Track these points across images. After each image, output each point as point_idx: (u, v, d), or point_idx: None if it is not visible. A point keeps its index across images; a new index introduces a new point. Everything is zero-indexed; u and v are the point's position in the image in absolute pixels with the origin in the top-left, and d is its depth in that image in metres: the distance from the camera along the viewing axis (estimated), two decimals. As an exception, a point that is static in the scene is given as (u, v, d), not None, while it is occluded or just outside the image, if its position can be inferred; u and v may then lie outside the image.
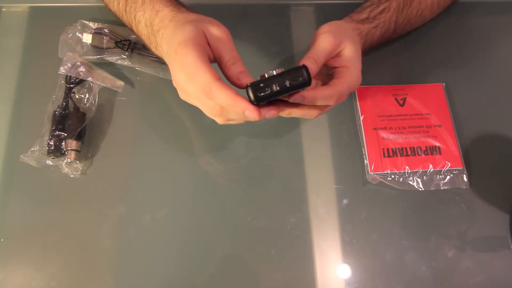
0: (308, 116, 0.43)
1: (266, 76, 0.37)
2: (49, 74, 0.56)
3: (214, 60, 0.41)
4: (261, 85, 0.36)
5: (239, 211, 0.52)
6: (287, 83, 0.36)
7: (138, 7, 0.46)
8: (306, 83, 0.36)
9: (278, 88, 0.36)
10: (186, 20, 0.41)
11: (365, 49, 0.51)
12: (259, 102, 0.37)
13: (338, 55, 0.45)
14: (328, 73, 0.47)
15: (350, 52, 0.44)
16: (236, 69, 0.39)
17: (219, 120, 0.42)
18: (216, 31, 0.40)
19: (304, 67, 0.36)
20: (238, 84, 0.39)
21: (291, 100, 0.39)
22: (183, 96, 0.42)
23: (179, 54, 0.38)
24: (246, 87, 0.37)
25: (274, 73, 0.37)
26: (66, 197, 0.52)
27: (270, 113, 0.39)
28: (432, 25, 0.61)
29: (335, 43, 0.43)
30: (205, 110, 0.41)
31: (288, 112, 0.42)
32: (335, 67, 0.45)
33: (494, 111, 0.58)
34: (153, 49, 0.47)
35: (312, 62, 0.41)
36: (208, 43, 0.40)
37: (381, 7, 0.51)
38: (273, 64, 0.60)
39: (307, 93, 0.39)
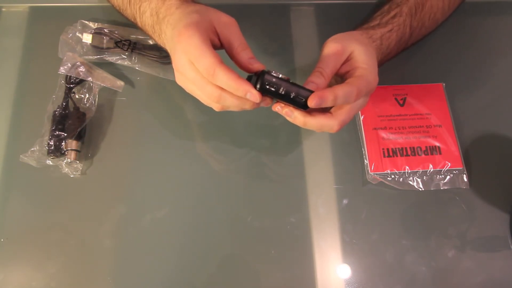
0: (327, 129, 0.43)
1: (274, 74, 0.39)
2: (49, 74, 0.56)
3: (221, 46, 0.42)
4: (274, 80, 0.38)
5: (239, 211, 0.52)
6: (292, 95, 0.38)
7: None
8: (303, 106, 0.39)
9: (283, 93, 0.38)
10: (193, 9, 0.42)
11: (384, 54, 0.50)
12: (261, 91, 0.38)
13: (347, 59, 0.43)
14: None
15: (360, 54, 0.43)
16: (247, 54, 0.40)
17: (216, 107, 0.42)
18: (226, 20, 0.41)
19: (312, 92, 0.38)
20: (249, 68, 0.40)
21: (313, 105, 0.39)
22: (180, 80, 0.42)
23: (183, 37, 0.38)
24: (262, 73, 0.38)
25: (280, 75, 0.39)
26: (66, 197, 0.52)
27: (266, 101, 0.40)
28: (432, 25, 0.61)
29: (339, 48, 0.42)
30: (201, 96, 0.41)
31: (303, 122, 0.41)
32: (348, 71, 0.43)
33: (494, 111, 0.58)
34: (156, 37, 0.47)
35: (317, 76, 0.41)
36: (216, 31, 0.41)
37: (392, 13, 0.51)
38: (273, 64, 0.60)
39: (326, 93, 0.38)
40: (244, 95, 0.38)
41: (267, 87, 0.38)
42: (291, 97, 0.38)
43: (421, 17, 0.53)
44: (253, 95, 0.38)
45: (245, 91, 0.37)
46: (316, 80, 0.40)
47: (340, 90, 0.39)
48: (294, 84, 0.38)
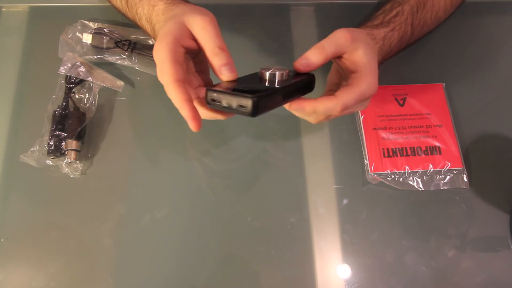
0: (309, 121, 0.44)
1: (266, 73, 0.38)
2: (49, 74, 0.56)
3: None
4: (215, 94, 0.37)
5: (239, 211, 0.52)
6: (233, 105, 0.36)
7: (137, 3, 0.47)
8: (249, 114, 0.35)
9: (226, 106, 0.37)
10: (172, 14, 0.41)
11: (385, 54, 0.49)
12: (211, 107, 0.38)
13: (351, 56, 0.42)
14: (344, 82, 0.45)
15: (363, 55, 0.42)
16: (219, 61, 0.38)
17: None
18: (199, 21, 0.39)
19: (254, 99, 0.35)
20: (220, 78, 0.39)
21: (291, 109, 0.39)
22: None
23: (155, 50, 0.39)
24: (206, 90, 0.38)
25: (277, 73, 0.38)
26: (66, 197, 0.52)
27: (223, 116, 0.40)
28: (432, 25, 0.61)
29: (348, 36, 0.41)
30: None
31: (312, 109, 0.41)
32: (352, 73, 0.43)
33: (494, 111, 0.58)
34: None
35: (314, 53, 0.40)
36: (193, 34, 0.40)
37: (394, 12, 0.50)
38: (272, 64, 0.60)
39: (306, 104, 0.39)
40: (186, 118, 0.37)
41: (213, 103, 0.37)
42: (233, 108, 0.36)
43: (423, 15, 0.53)
44: (190, 123, 0.37)
45: (185, 117, 0.37)
46: (311, 57, 0.40)
47: (320, 105, 0.39)
48: (235, 94, 0.35)
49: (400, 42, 0.51)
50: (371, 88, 0.42)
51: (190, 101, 0.37)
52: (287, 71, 0.39)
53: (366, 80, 0.41)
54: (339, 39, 0.41)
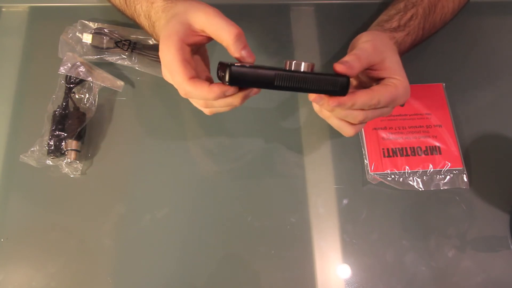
0: (343, 132, 0.43)
1: (289, 64, 0.38)
2: (49, 74, 0.56)
3: (211, 38, 0.40)
4: (218, 65, 0.38)
5: (239, 211, 0.52)
6: (221, 75, 0.38)
7: (136, 0, 0.47)
8: (227, 82, 0.36)
9: (220, 76, 0.38)
10: (173, 12, 0.41)
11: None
12: (232, 84, 0.38)
13: (381, 66, 0.42)
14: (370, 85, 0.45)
15: (394, 62, 0.42)
16: (239, 46, 0.38)
17: (206, 112, 0.42)
18: (205, 15, 0.39)
19: (231, 67, 0.36)
20: (245, 62, 0.39)
21: (330, 103, 0.38)
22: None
23: (161, 51, 0.39)
24: (228, 66, 0.38)
25: (303, 64, 0.37)
26: (66, 197, 0.52)
27: (253, 91, 0.39)
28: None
29: (377, 49, 0.41)
30: (192, 103, 0.42)
31: (328, 116, 0.42)
32: (383, 78, 0.42)
33: (494, 111, 0.58)
34: (154, 39, 0.48)
35: (353, 59, 0.39)
36: (197, 30, 0.40)
37: (409, 14, 0.50)
38: (272, 64, 0.60)
39: (346, 99, 0.38)
40: (224, 96, 0.37)
41: (219, 74, 0.38)
42: (219, 76, 0.38)
43: (433, 18, 0.52)
44: (230, 92, 0.37)
45: (222, 92, 0.37)
46: (351, 62, 0.39)
47: (359, 98, 0.39)
48: (222, 64, 0.37)
49: (410, 46, 0.51)
50: (407, 94, 0.42)
51: (212, 84, 0.37)
52: (311, 64, 0.38)
53: (404, 85, 0.41)
54: (369, 51, 0.41)
